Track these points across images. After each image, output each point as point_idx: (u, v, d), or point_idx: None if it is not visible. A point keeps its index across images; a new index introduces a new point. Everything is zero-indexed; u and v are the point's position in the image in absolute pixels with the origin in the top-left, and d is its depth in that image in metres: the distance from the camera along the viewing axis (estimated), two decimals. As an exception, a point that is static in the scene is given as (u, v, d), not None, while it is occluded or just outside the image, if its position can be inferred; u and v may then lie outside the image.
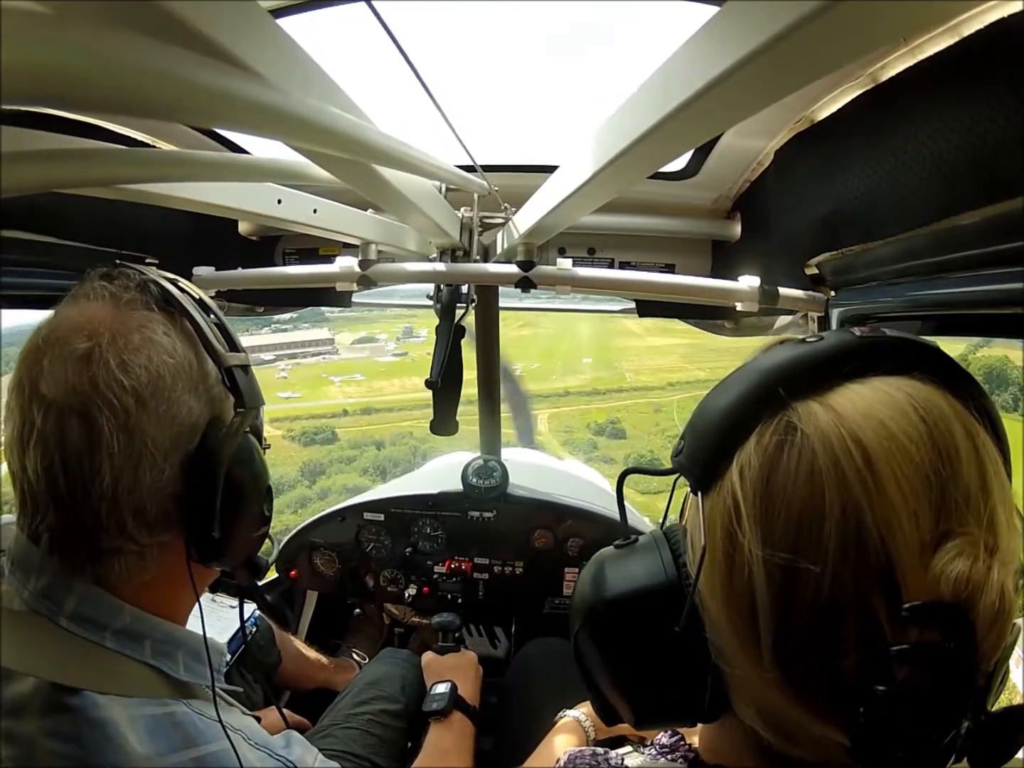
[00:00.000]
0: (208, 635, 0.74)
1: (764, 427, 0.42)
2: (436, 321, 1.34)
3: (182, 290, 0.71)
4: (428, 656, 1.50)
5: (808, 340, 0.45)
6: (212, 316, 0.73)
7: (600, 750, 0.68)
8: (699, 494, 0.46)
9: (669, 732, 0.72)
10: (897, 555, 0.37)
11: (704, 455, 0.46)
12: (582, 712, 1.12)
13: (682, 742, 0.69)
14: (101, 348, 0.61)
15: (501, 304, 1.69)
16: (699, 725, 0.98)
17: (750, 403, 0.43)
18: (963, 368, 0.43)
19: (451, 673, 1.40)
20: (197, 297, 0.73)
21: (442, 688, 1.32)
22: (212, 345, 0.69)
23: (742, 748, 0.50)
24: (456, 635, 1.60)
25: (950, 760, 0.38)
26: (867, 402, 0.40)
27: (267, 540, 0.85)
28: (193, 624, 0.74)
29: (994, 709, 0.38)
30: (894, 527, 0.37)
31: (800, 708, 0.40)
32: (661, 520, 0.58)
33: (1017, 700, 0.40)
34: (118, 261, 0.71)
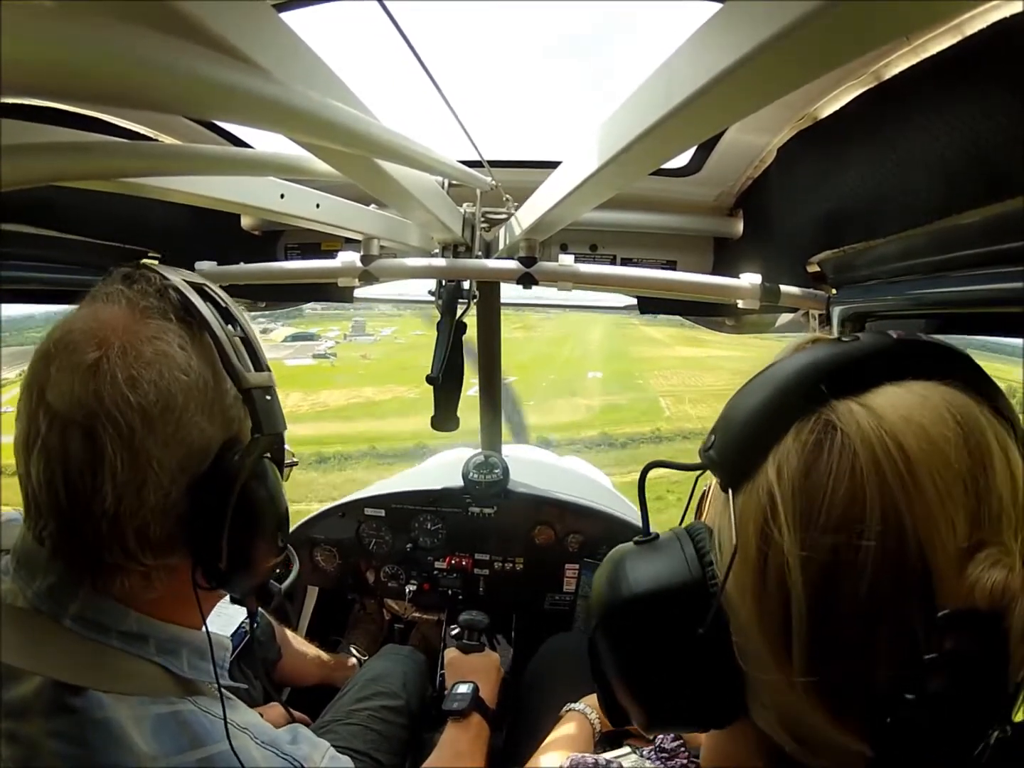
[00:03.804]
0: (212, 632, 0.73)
1: (801, 425, 0.41)
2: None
3: (208, 297, 0.67)
4: (452, 653, 1.49)
5: (844, 340, 0.45)
6: (238, 328, 0.69)
7: (602, 760, 0.68)
8: (730, 491, 0.45)
9: (671, 736, 0.71)
10: (934, 561, 0.36)
11: (738, 451, 0.45)
12: (588, 705, 1.13)
13: (683, 748, 0.69)
14: (109, 360, 0.58)
15: (503, 300, 1.69)
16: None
17: (787, 400, 0.43)
18: (994, 381, 0.43)
19: (474, 674, 1.39)
20: (224, 306, 0.69)
21: (464, 688, 1.31)
22: (232, 363, 0.65)
23: (753, 755, 0.49)
24: (481, 634, 1.59)
25: None
26: (907, 405, 0.39)
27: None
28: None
29: (1019, 720, 0.38)
30: (932, 532, 0.36)
31: (825, 714, 0.39)
32: (681, 517, 0.56)
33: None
34: (141, 262, 0.67)
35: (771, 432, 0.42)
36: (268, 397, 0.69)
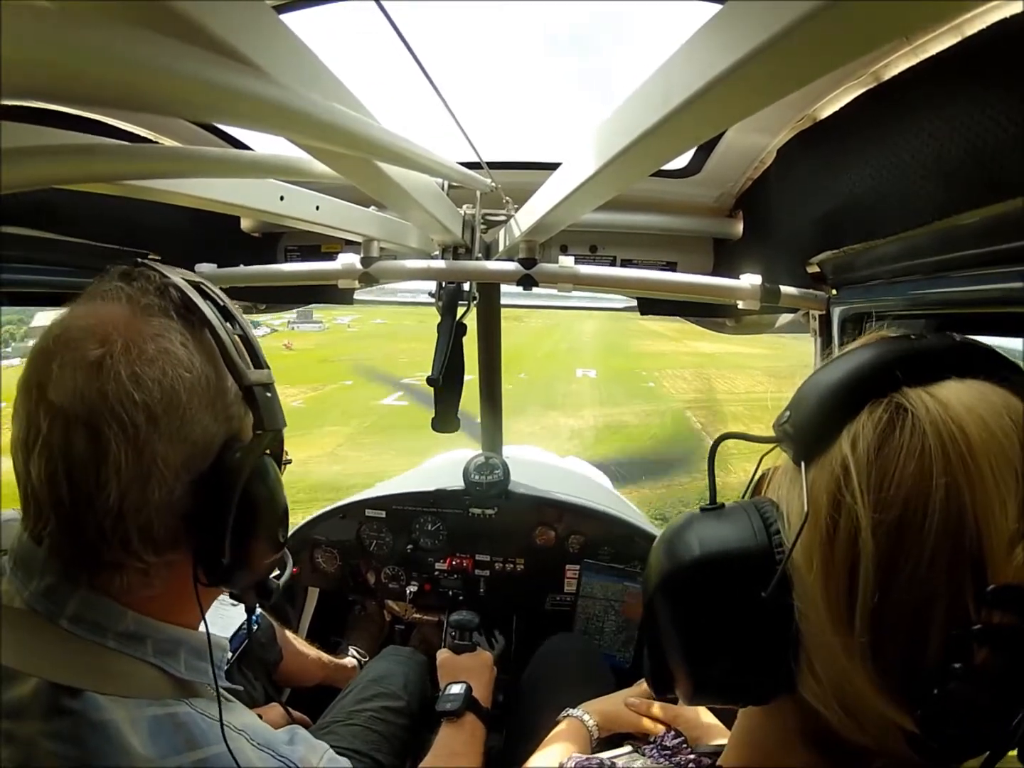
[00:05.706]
0: (210, 632, 0.73)
1: (875, 405, 0.45)
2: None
3: (207, 296, 0.68)
4: (444, 654, 1.49)
5: (913, 337, 0.49)
6: (237, 327, 0.69)
7: (607, 760, 0.68)
8: (803, 463, 0.48)
9: (672, 733, 0.72)
10: (988, 540, 0.40)
11: (813, 426, 0.48)
12: (585, 712, 1.13)
13: (685, 744, 0.70)
14: (113, 357, 0.58)
15: (503, 302, 1.69)
16: (712, 726, 0.98)
17: (862, 382, 0.46)
18: None
19: (466, 674, 1.39)
20: (222, 304, 0.69)
21: (456, 689, 1.31)
22: (233, 360, 0.65)
23: (792, 734, 0.51)
24: (472, 634, 1.59)
25: (1008, 750, 0.40)
26: (970, 398, 0.43)
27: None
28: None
29: None
30: (988, 514, 0.40)
31: (875, 683, 0.42)
32: (744, 491, 0.59)
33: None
34: (139, 260, 0.67)
35: (846, 410, 0.46)
36: (268, 394, 0.69)
